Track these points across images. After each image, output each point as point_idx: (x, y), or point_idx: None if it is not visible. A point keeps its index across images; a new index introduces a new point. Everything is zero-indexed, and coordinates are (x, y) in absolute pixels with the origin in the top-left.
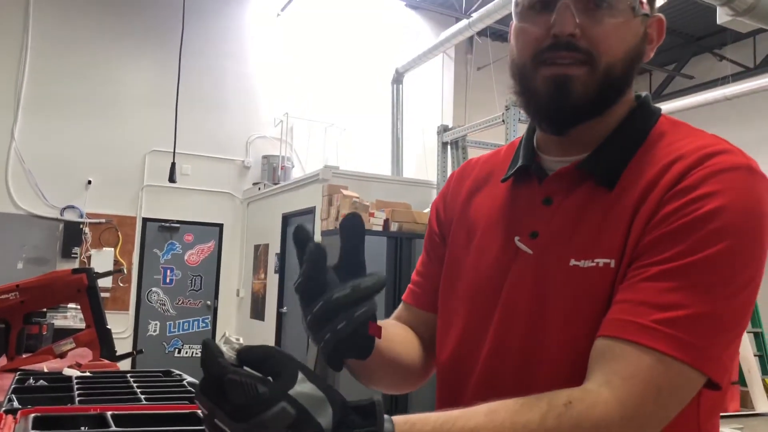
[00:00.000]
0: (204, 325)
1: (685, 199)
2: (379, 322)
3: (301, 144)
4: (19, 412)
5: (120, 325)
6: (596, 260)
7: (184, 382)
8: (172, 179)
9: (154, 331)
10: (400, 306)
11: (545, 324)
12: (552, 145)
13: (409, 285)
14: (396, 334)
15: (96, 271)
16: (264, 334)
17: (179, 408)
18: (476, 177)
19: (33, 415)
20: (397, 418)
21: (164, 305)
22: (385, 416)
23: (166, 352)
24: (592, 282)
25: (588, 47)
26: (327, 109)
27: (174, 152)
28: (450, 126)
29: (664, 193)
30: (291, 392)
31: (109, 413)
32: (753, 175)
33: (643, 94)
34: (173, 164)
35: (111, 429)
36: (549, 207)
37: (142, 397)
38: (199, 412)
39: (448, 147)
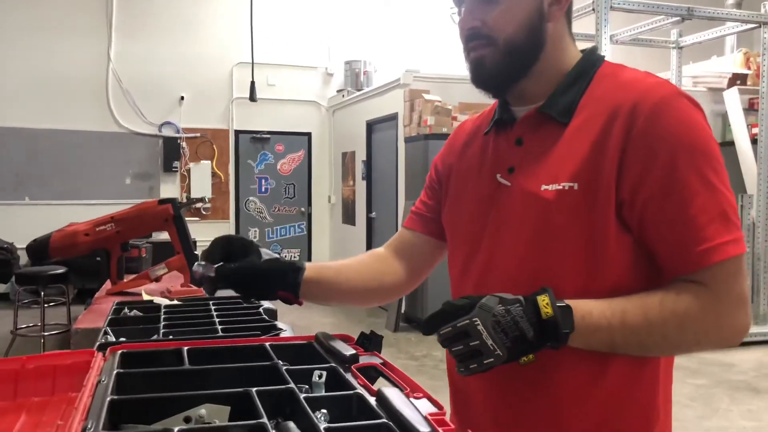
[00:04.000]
0: (300, 230)
1: (647, 142)
2: (347, 260)
3: (384, 46)
4: (108, 348)
5: (222, 233)
6: (562, 184)
7: (260, 309)
8: (252, 98)
9: (254, 237)
10: (401, 231)
11: (523, 238)
12: (517, 98)
13: (410, 215)
14: (354, 271)
15: (180, 201)
16: (356, 238)
17: (249, 341)
18: (468, 134)
19: (120, 351)
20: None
21: (261, 213)
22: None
23: None
24: (559, 201)
25: (488, 33)
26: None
27: (252, 68)
28: None
29: (624, 133)
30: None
31: (185, 349)
32: (679, 100)
33: (590, 46)
34: (252, 83)
35: (185, 367)
36: (521, 146)
37: (219, 327)
38: (268, 344)
39: None
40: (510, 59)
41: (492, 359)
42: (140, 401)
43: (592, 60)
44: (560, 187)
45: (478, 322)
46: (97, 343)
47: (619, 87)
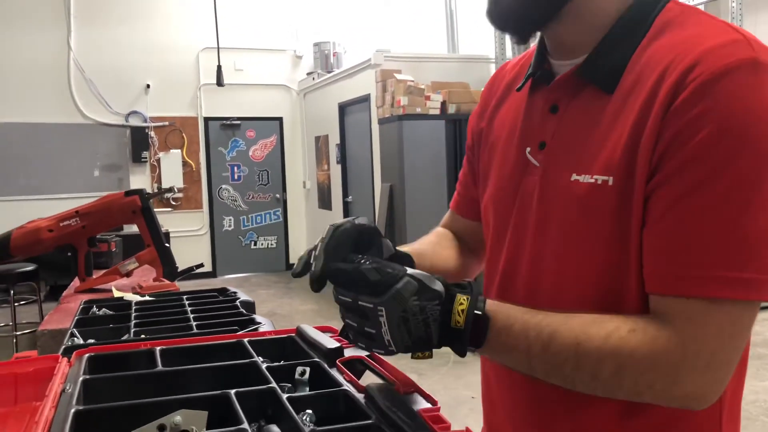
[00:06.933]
0: (276, 217)
1: (687, 119)
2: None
3: (353, 27)
4: (74, 352)
5: (196, 223)
6: (595, 176)
7: (237, 302)
8: (219, 83)
9: (229, 226)
10: (448, 212)
11: (548, 239)
12: (555, 49)
13: (455, 192)
14: (426, 250)
15: (147, 192)
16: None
17: (226, 338)
18: (505, 85)
19: (87, 355)
20: (490, 301)
21: (235, 201)
22: (480, 296)
23: (243, 245)
24: (591, 200)
25: None
26: None
27: (218, 51)
28: None
29: (665, 107)
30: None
31: (157, 349)
32: (756, 72)
33: None
34: (219, 67)
35: (158, 369)
36: (556, 115)
37: (194, 324)
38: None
39: None
40: None
41: (382, 351)
42: (108, 410)
43: (651, 1)
44: (592, 181)
45: (383, 313)
46: (63, 347)
47: (681, 42)
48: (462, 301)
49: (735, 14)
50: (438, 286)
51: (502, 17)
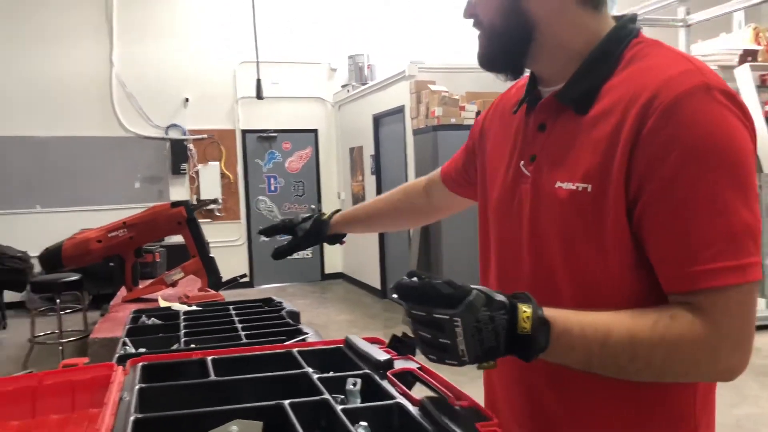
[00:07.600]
0: None
1: (656, 145)
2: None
3: (387, 39)
4: (128, 361)
5: (234, 234)
6: (576, 184)
7: (283, 312)
8: (259, 96)
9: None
10: (436, 171)
11: (539, 238)
12: (540, 78)
13: (447, 163)
14: (355, 213)
15: (192, 203)
16: (368, 233)
17: (275, 348)
18: (512, 105)
19: (141, 364)
20: (546, 308)
21: (272, 212)
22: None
23: None
24: (572, 203)
25: (480, 19)
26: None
27: (257, 65)
28: None
29: (634, 132)
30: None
31: (209, 359)
32: (708, 94)
33: (628, 15)
34: (258, 80)
35: (211, 378)
36: (543, 132)
37: (242, 333)
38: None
39: None
40: (494, 44)
41: (455, 362)
42: (167, 419)
43: (620, 36)
44: (574, 188)
45: (459, 323)
46: (116, 355)
47: (643, 73)
48: (525, 309)
49: (740, 19)
50: (501, 297)
51: (485, 62)
